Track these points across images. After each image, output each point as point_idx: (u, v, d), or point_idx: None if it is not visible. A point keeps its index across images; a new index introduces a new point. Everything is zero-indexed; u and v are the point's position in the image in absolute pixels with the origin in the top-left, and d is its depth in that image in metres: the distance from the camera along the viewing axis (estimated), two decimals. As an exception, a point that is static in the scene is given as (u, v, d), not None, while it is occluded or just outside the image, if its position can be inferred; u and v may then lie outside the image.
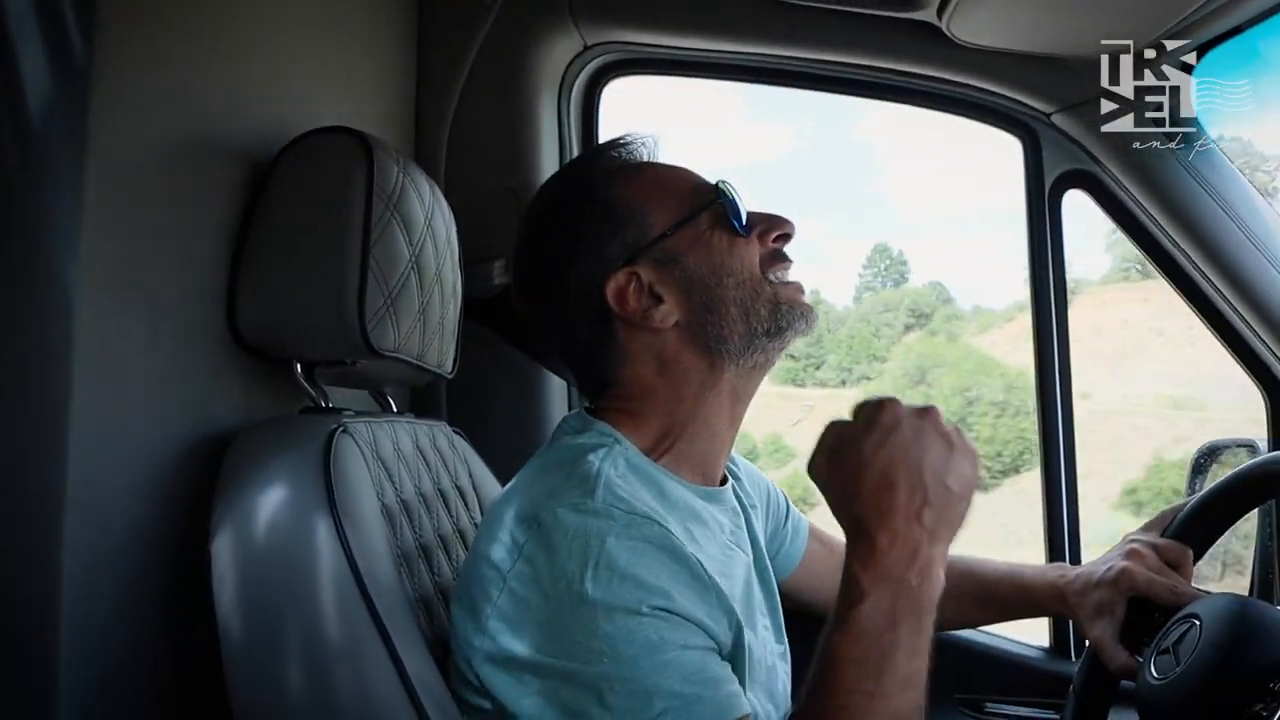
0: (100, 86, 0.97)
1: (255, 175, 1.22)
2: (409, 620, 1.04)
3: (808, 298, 1.14)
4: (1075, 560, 1.79)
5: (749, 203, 1.13)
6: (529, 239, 1.16)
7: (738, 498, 1.25)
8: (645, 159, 1.18)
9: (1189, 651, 1.14)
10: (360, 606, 0.98)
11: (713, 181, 1.13)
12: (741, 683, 1.02)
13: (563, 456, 1.07)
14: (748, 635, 1.05)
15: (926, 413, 0.97)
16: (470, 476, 1.43)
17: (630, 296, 1.09)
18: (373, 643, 0.98)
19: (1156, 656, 1.20)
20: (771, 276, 1.11)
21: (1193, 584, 1.31)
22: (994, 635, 1.77)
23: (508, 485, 1.11)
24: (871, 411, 0.96)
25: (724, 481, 1.19)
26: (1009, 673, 1.75)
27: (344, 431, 1.11)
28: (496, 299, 1.73)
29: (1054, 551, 1.80)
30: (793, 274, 1.15)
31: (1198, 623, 1.17)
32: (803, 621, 1.50)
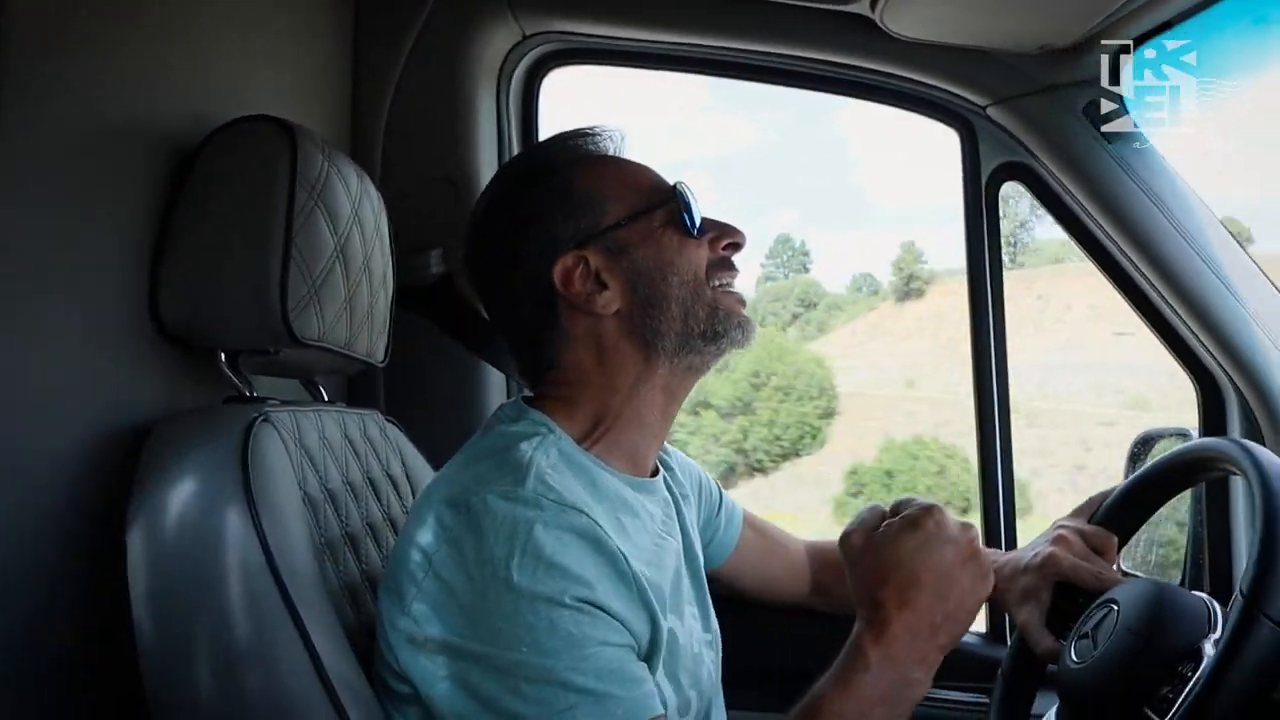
0: (9, 71, 0.96)
1: (179, 164, 1.21)
2: (327, 610, 1.04)
3: (747, 311, 1.17)
4: (1011, 546, 1.82)
5: (706, 208, 1.16)
6: (486, 214, 1.18)
7: (669, 488, 1.26)
8: (611, 151, 1.20)
9: (1106, 636, 1.16)
10: (274, 597, 0.98)
11: (671, 182, 1.16)
12: (668, 674, 1.04)
13: (495, 444, 1.08)
14: (673, 623, 1.07)
15: (968, 530, 1.03)
16: (403, 465, 1.43)
17: (576, 279, 1.11)
18: (286, 634, 0.97)
19: (1077, 641, 1.21)
20: (715, 282, 1.14)
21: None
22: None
23: (439, 471, 1.12)
24: (916, 515, 1.02)
25: (655, 472, 1.20)
26: (946, 658, 1.76)
27: (265, 421, 1.10)
28: (434, 288, 1.72)
29: (989, 538, 1.83)
30: (737, 285, 1.18)
31: (1116, 608, 1.19)
32: (735, 607, 1.52)
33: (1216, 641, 1.05)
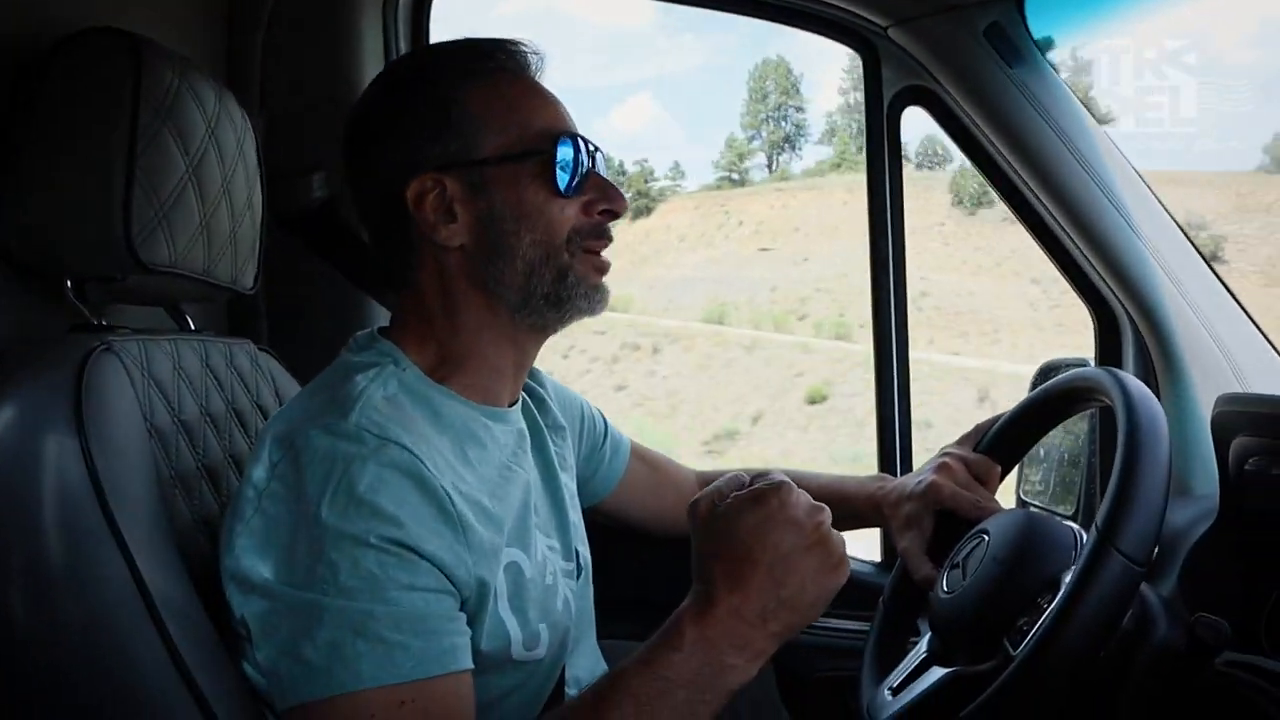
0: None
1: (20, 76, 1.14)
2: (165, 543, 1.01)
3: (604, 280, 1.12)
4: (907, 468, 1.83)
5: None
6: (356, 115, 1.13)
7: (534, 418, 1.24)
8: (522, 74, 1.12)
9: (975, 566, 1.17)
10: (97, 523, 0.94)
11: (570, 131, 1.08)
12: (514, 607, 1.03)
13: (333, 377, 1.06)
14: (516, 556, 1.05)
15: (817, 514, 0.97)
16: (276, 396, 1.39)
17: (429, 203, 1.07)
18: (108, 558, 0.94)
19: (949, 570, 1.22)
20: (577, 247, 1.08)
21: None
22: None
23: (283, 404, 1.09)
24: (762, 490, 0.96)
25: (515, 402, 1.18)
26: None
27: (106, 350, 1.06)
28: (317, 213, 1.67)
29: (885, 460, 1.84)
30: (607, 254, 1.13)
31: (986, 538, 1.19)
32: (614, 537, 1.51)
33: (1075, 568, 1.05)
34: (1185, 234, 1.61)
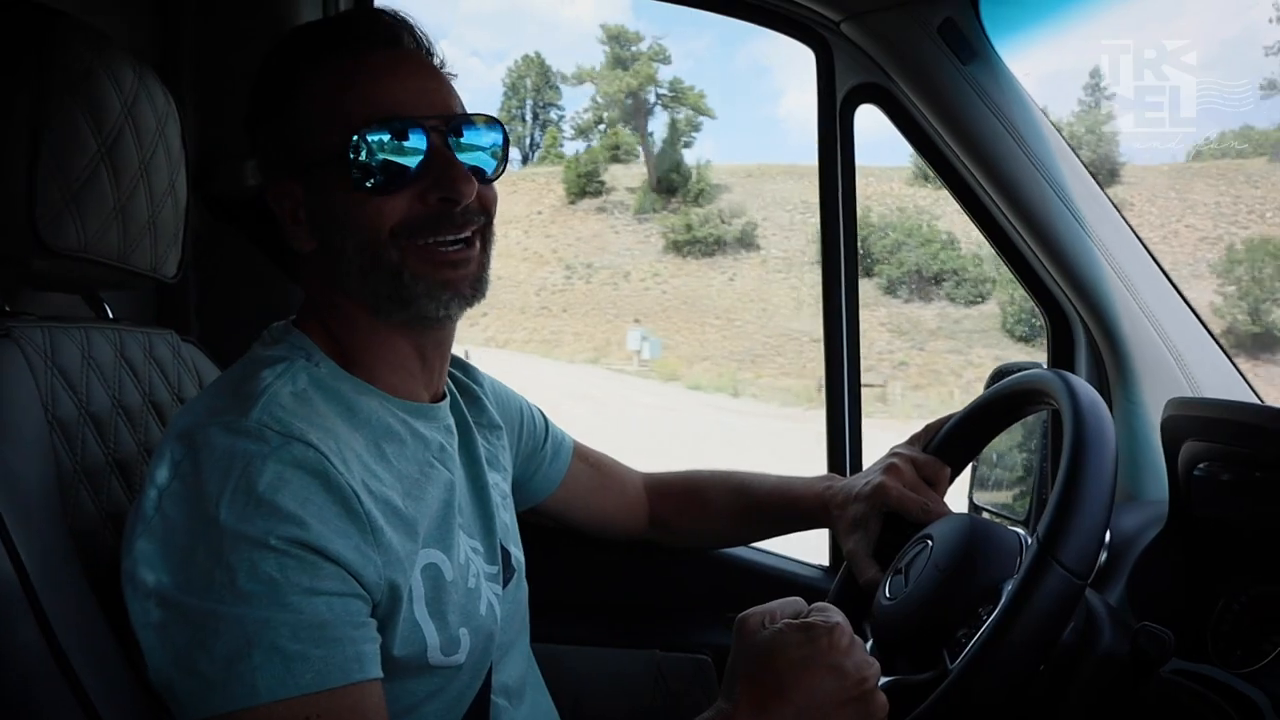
0: None
1: None
2: (57, 540, 0.96)
3: (462, 271, 1.02)
4: (857, 467, 1.80)
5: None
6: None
7: (463, 417, 1.19)
8: (371, 49, 1.01)
9: (918, 573, 1.14)
10: None
11: (393, 115, 0.97)
12: (432, 611, 0.98)
13: (241, 371, 1.01)
14: (434, 557, 1.00)
15: (866, 668, 0.94)
16: (200, 387, 1.34)
17: (282, 204, 1.03)
18: (1, 569, 0.89)
19: (892, 576, 1.20)
20: (404, 242, 0.99)
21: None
22: (771, 554, 1.77)
23: (189, 400, 1.04)
24: (816, 628, 0.94)
25: (440, 398, 1.13)
26: (782, 590, 1.73)
27: (4, 337, 1.01)
28: (251, 202, 1.61)
29: (834, 457, 1.81)
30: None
31: (930, 544, 1.16)
32: (558, 539, 1.47)
33: (1015, 581, 1.02)
34: (1138, 236, 1.58)
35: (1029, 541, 1.09)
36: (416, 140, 0.98)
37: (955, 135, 1.60)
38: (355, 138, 0.96)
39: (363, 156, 0.96)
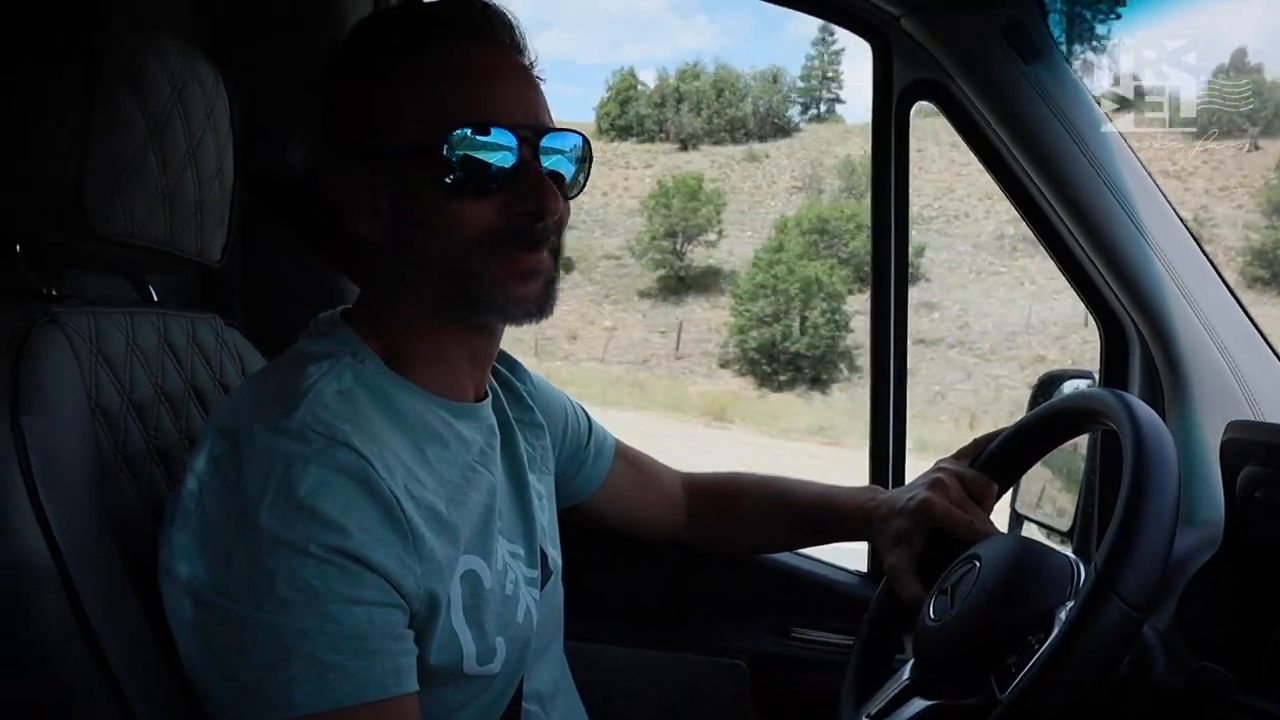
0: None
1: None
2: (98, 530, 0.96)
3: (540, 284, 1.00)
4: (900, 480, 1.76)
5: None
6: (321, 77, 1.04)
7: (505, 416, 1.18)
8: (469, 41, 0.98)
9: (964, 595, 1.11)
10: (24, 511, 0.89)
11: (496, 121, 0.95)
12: (470, 619, 0.96)
13: (285, 365, 0.99)
14: (474, 564, 0.99)
15: None
16: (243, 373, 1.33)
17: (354, 192, 1.00)
18: (34, 551, 0.89)
19: (936, 597, 1.17)
20: (489, 251, 0.97)
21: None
22: (809, 559, 1.75)
23: (234, 389, 1.02)
24: None
25: (484, 397, 1.11)
26: (820, 597, 1.73)
27: (50, 323, 1.00)
28: (298, 186, 1.60)
29: (877, 466, 1.78)
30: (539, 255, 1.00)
31: (978, 564, 1.13)
32: (593, 539, 1.46)
33: (1071, 611, 0.99)
34: (1202, 249, 1.54)
35: (1079, 567, 1.06)
36: (511, 148, 0.96)
37: (1014, 135, 1.55)
38: (454, 135, 0.94)
39: (457, 156, 0.94)
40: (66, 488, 0.93)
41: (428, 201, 0.96)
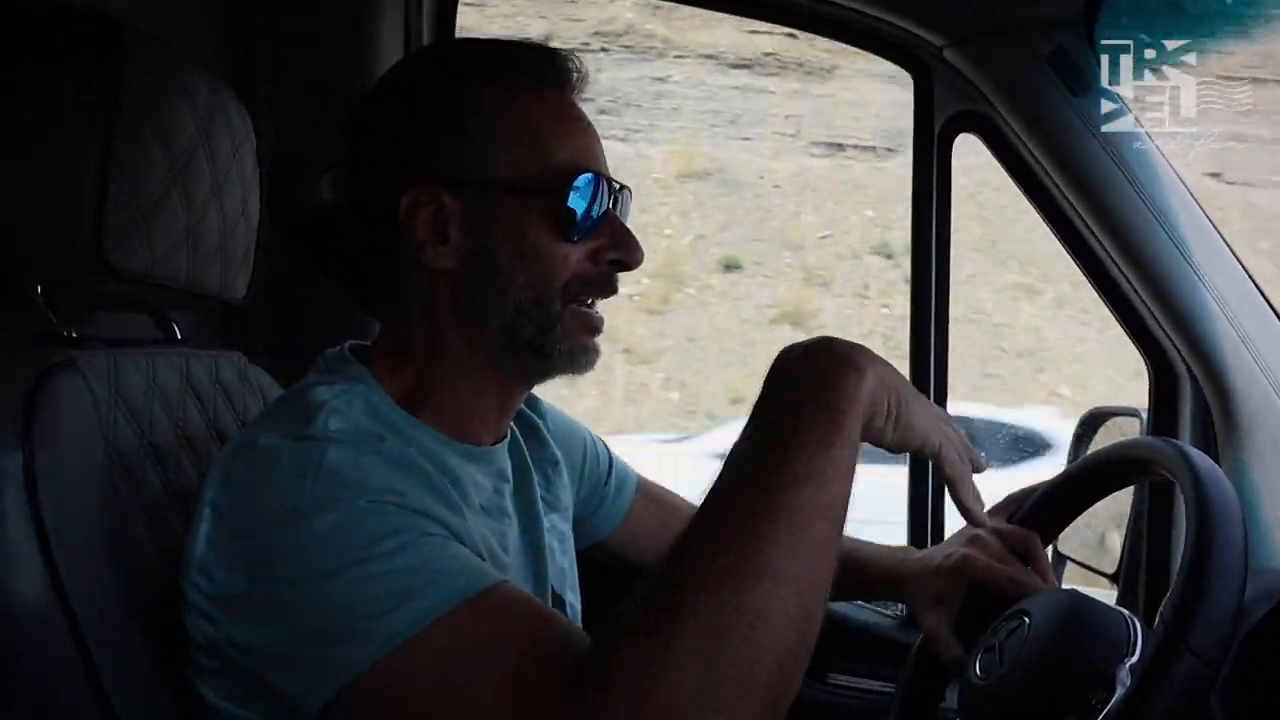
0: None
1: None
2: (111, 583, 0.93)
3: (598, 340, 1.02)
4: (938, 527, 1.72)
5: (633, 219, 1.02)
6: (370, 99, 1.04)
7: (521, 456, 1.14)
8: (556, 88, 1.01)
9: (1014, 652, 1.07)
10: (34, 564, 0.86)
11: (594, 169, 0.98)
12: None
13: (291, 395, 0.98)
14: None
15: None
16: None
17: (422, 217, 0.97)
18: (45, 606, 0.87)
19: (983, 654, 1.12)
20: (573, 298, 0.98)
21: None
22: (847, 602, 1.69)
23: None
24: None
25: (501, 439, 1.09)
26: (858, 641, 1.68)
27: (69, 366, 0.97)
28: (323, 220, 1.58)
29: (914, 521, 1.73)
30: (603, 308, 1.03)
31: (1027, 620, 1.09)
32: (621, 578, 1.41)
33: (1133, 668, 0.96)
34: (1259, 287, 1.48)
35: (1134, 623, 1.02)
36: (605, 196, 0.98)
37: (1061, 169, 1.51)
38: (563, 174, 0.96)
39: (559, 196, 0.96)
40: (78, 536, 0.91)
41: (520, 235, 0.96)
